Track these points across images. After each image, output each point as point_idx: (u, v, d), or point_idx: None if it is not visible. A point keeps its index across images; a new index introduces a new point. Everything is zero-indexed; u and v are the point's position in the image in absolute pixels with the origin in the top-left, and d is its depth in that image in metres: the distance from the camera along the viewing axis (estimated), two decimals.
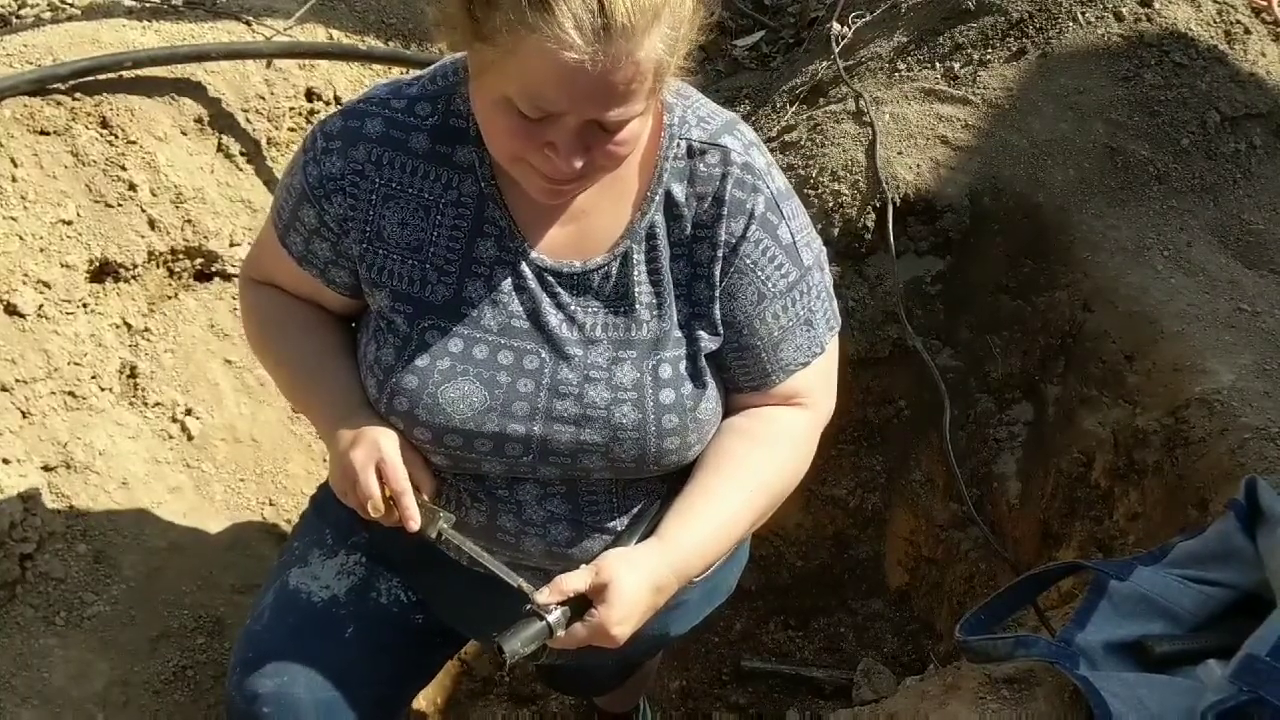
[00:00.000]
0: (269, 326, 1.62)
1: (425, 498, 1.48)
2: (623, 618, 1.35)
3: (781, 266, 1.47)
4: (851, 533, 2.90)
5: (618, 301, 1.46)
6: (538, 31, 1.14)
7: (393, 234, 1.44)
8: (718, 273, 1.45)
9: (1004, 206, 2.72)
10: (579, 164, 1.27)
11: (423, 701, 2.56)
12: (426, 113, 1.43)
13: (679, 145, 1.44)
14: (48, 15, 2.73)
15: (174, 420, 2.38)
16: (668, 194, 1.44)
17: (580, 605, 1.36)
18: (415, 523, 1.45)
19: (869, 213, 2.70)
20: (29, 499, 2.06)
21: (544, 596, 1.34)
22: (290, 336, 1.58)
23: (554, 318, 1.45)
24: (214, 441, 2.43)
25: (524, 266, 1.44)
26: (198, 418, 2.41)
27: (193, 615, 2.14)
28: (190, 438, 2.38)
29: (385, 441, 1.45)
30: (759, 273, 1.46)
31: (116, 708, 1.97)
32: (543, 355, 1.45)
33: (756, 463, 1.51)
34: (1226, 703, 1.40)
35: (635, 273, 1.45)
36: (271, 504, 2.46)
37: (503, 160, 1.35)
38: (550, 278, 1.45)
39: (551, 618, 1.33)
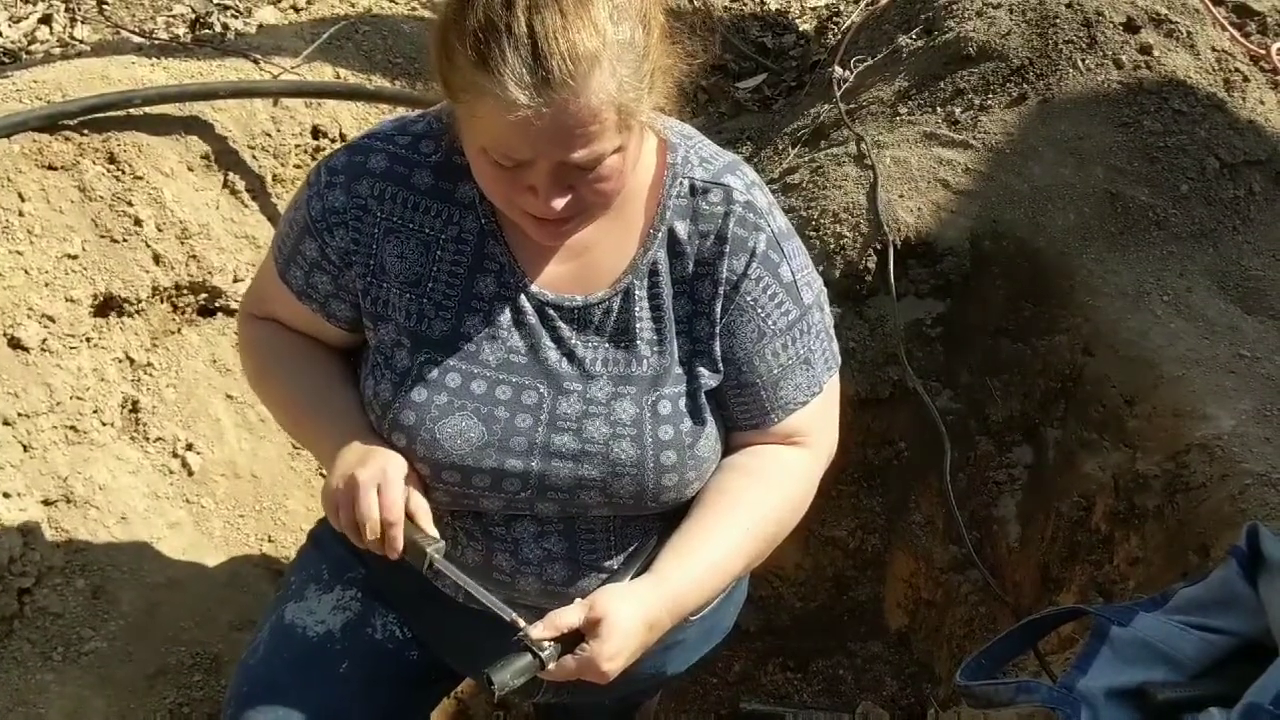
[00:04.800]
0: (269, 360, 1.61)
1: (423, 526, 1.44)
2: (615, 653, 1.34)
3: (782, 304, 1.47)
4: (851, 574, 2.88)
5: (619, 336, 1.46)
6: (486, 92, 1.20)
7: (392, 267, 1.45)
8: (718, 309, 1.45)
9: (1004, 250, 2.73)
10: (560, 205, 1.29)
11: None
12: (430, 150, 1.44)
13: (682, 184, 1.45)
14: (58, 51, 2.76)
15: (174, 455, 2.38)
16: (670, 231, 1.45)
17: (573, 640, 1.35)
18: (397, 553, 1.42)
19: (870, 255, 2.71)
20: (28, 533, 2.06)
21: (538, 632, 1.33)
22: (291, 369, 1.58)
23: (553, 353, 1.46)
24: (214, 477, 2.43)
25: (524, 301, 1.45)
26: (198, 453, 2.41)
27: (190, 653, 2.13)
28: (190, 473, 2.38)
29: (392, 467, 1.42)
30: (759, 310, 1.46)
31: None
32: (541, 390, 1.45)
33: (754, 501, 1.51)
34: None
35: (637, 308, 1.46)
36: (270, 540, 2.45)
37: (497, 205, 1.38)
38: (551, 311, 1.45)
39: (544, 653, 1.32)
